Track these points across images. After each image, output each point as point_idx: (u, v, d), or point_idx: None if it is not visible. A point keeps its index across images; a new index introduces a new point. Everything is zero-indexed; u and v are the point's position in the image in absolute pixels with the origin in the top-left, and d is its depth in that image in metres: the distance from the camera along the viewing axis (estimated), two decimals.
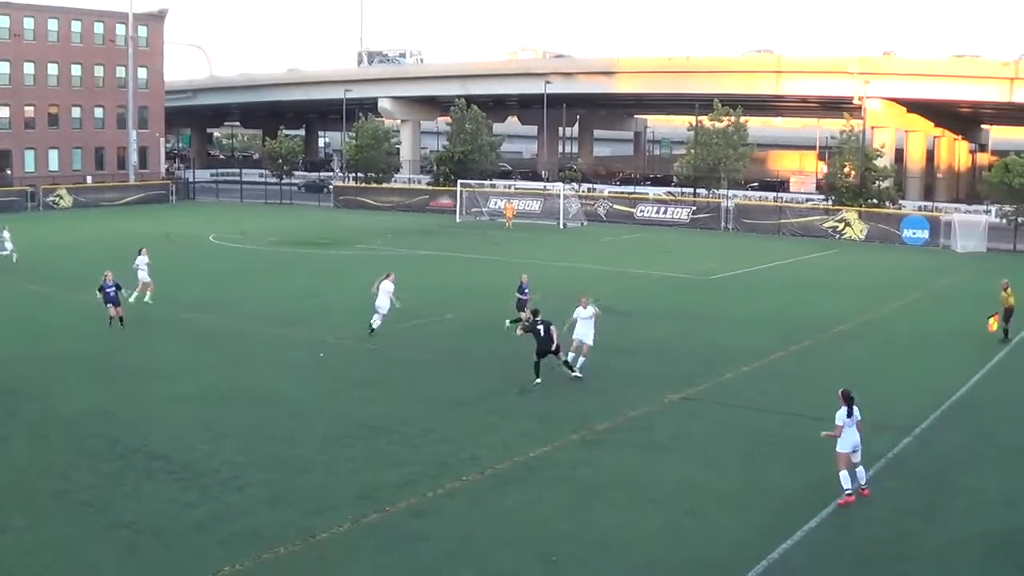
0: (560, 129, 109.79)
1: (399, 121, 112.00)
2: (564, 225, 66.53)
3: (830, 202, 66.82)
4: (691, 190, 74.10)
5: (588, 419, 19.25)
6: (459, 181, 72.87)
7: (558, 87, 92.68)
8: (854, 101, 75.81)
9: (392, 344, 25.74)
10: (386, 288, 26.54)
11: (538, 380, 21.50)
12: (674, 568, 13.10)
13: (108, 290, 27.10)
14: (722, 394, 21.45)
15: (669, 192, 79.40)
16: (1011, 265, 47.76)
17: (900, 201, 70.11)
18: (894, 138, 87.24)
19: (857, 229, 60.88)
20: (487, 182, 78.70)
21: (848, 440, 15.37)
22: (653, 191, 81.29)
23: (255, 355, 24.51)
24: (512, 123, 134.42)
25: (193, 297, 32.66)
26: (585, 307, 22.53)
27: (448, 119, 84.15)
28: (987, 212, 63.97)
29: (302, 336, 26.71)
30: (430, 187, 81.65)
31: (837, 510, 15.01)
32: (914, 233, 58.95)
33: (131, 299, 29.60)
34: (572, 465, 16.74)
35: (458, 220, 69.50)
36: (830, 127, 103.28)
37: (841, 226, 61.70)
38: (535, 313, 22.42)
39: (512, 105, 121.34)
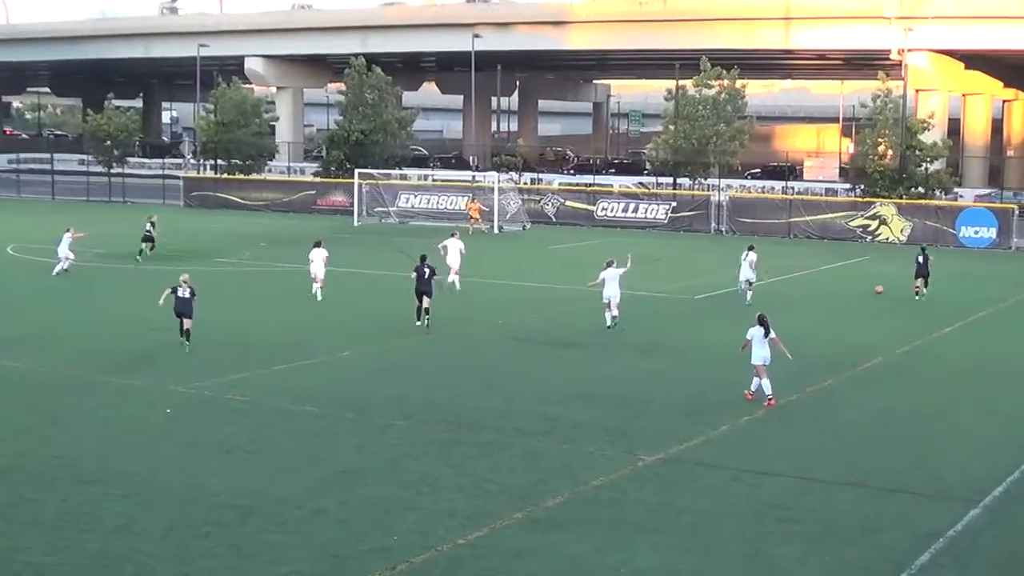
0: (494, 100, 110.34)
1: (274, 89, 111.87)
2: (500, 228, 66.79)
3: (859, 193, 67.96)
4: (670, 180, 74.95)
5: (536, 490, 19.31)
6: (357, 171, 72.88)
7: (490, 42, 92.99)
8: (891, 56, 77.19)
9: (267, 392, 25.64)
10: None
11: (418, 323, 33.31)
12: None
13: None
14: (715, 453, 21.67)
15: (641, 183, 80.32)
16: None
17: (956, 189, 71.50)
18: (947, 105, 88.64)
19: (896, 228, 62.03)
20: (395, 172, 78.74)
21: (759, 353, 24.87)
22: (619, 182, 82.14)
23: (77, 413, 24.23)
24: (429, 92, 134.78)
25: None
26: (611, 268, 33.90)
27: (342, 86, 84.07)
28: None
29: (142, 385, 26.48)
30: (318, 179, 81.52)
31: None
32: (976, 232, 60.14)
33: None
34: (516, 554, 16.76)
35: (356, 223, 69.46)
36: (858, 91, 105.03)
37: (874, 224, 62.82)
38: (423, 258, 34.03)
39: (429, 67, 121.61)
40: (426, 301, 33.77)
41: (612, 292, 34.09)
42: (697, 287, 43.12)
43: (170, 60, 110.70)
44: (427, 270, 33.93)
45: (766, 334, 24.98)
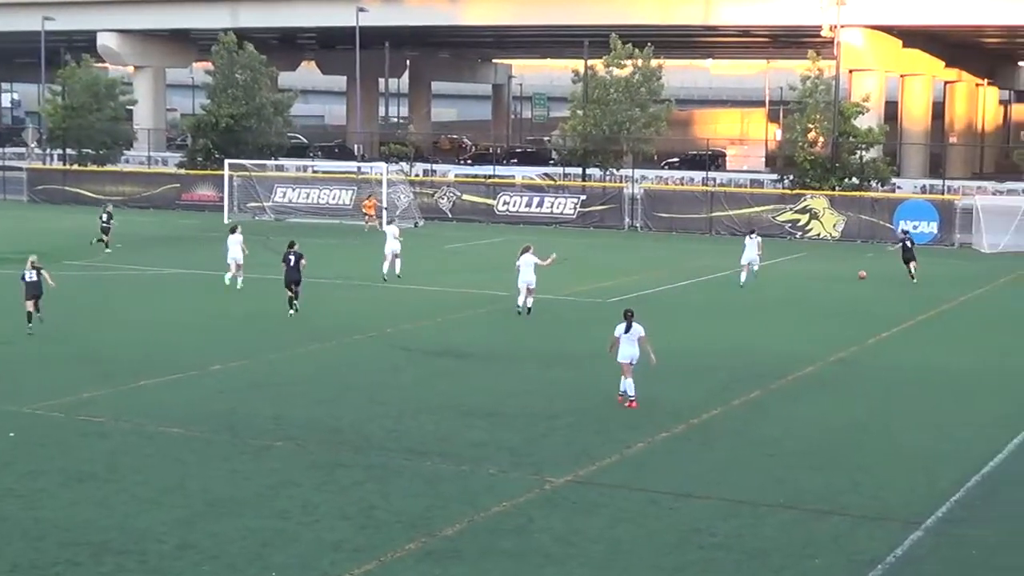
0: (381, 82, 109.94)
1: (131, 68, 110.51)
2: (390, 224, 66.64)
3: (787, 184, 68.75)
4: (579, 171, 75.29)
5: (432, 518, 19.27)
6: (227, 161, 72.30)
7: (377, 15, 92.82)
8: (822, 32, 78.03)
9: (126, 412, 25.34)
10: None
11: (291, 312, 36.57)
12: None
13: None
14: (630, 474, 21.78)
15: (546, 175, 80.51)
16: None
17: (894, 180, 72.61)
18: (883, 87, 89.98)
19: (828, 223, 62.92)
20: (270, 162, 78.27)
21: (625, 352, 26.09)
22: (522, 173, 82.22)
23: None
24: (308, 72, 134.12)
25: None
26: (528, 254, 37.22)
27: (209, 65, 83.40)
28: None
29: None
30: (183, 171, 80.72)
31: None
32: (916, 226, 60.96)
33: None
34: None
35: (227, 220, 68.73)
36: (786, 71, 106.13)
37: (804, 219, 63.66)
38: (291, 244, 37.64)
39: (308, 44, 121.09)
40: (296, 290, 37.06)
41: (528, 278, 37.33)
42: (609, 290, 43.33)
43: (10, 35, 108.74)
44: (293, 257, 37.17)
45: (627, 329, 26.25)
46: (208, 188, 75.13)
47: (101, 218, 54.64)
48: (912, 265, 46.72)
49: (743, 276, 45.53)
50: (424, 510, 19.67)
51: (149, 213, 73.11)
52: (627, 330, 26.12)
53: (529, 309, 37.86)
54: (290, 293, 37.08)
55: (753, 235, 46.77)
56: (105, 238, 53.89)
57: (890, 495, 20.77)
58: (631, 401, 26.21)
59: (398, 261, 45.22)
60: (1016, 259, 55.49)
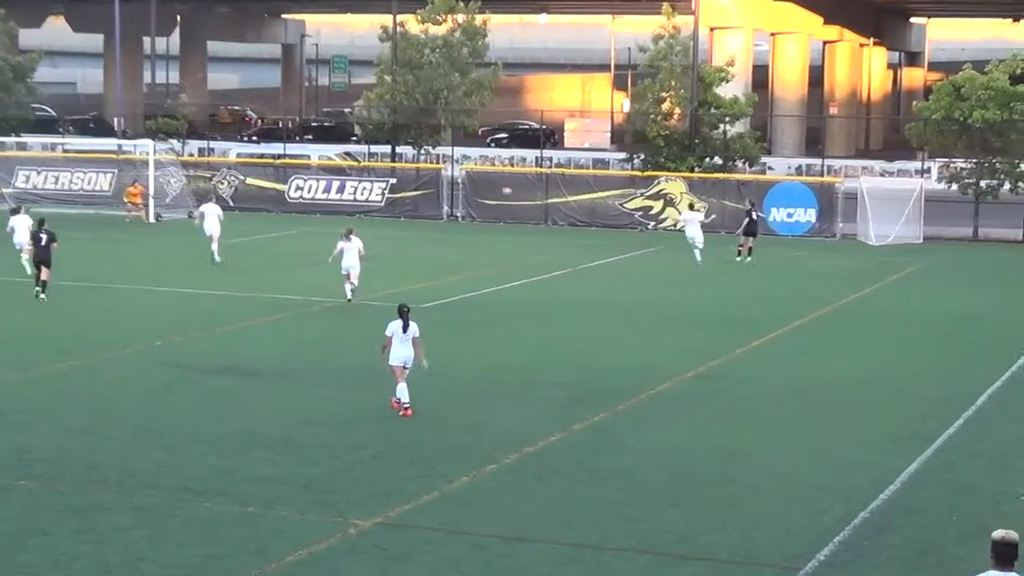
0: (147, 42, 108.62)
1: None
2: (157, 217, 65.97)
3: (637, 165, 69.27)
4: (388, 149, 75.07)
5: (212, 570, 18.96)
6: None
7: None
8: None
9: None
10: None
11: (38, 293, 40.57)
12: None
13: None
14: (451, 514, 21.70)
15: (348, 154, 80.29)
16: (970, 265, 51.00)
17: (764, 159, 73.61)
18: (750, 48, 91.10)
19: (686, 211, 63.35)
20: (10, 140, 77.03)
21: (399, 354, 27.40)
22: (319, 152, 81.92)
23: None
24: (57, 30, 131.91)
25: None
26: (349, 239, 40.93)
27: None
28: (922, 173, 67.89)
29: None
30: None
31: None
32: (790, 215, 62.04)
33: None
34: None
35: None
36: (636, 31, 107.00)
37: (658, 206, 64.30)
38: (41, 222, 41.75)
39: None
40: (45, 272, 40.53)
41: (351, 263, 41.10)
42: (424, 293, 43.14)
43: None
44: (44, 236, 40.69)
45: (405, 329, 27.53)
46: None
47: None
48: (748, 240, 51.69)
49: (698, 255, 51.44)
50: (203, 561, 19.40)
51: None
52: (404, 329, 27.49)
53: (355, 294, 41.33)
54: (40, 273, 40.70)
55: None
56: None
57: (762, 535, 20.88)
58: (406, 409, 27.42)
59: (216, 247, 49.65)
60: (907, 253, 56.62)
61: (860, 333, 38.76)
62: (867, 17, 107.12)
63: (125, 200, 66.20)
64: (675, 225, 62.36)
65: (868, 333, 38.74)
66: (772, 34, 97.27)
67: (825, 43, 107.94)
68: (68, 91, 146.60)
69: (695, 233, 51.57)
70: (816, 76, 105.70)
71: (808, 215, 61.88)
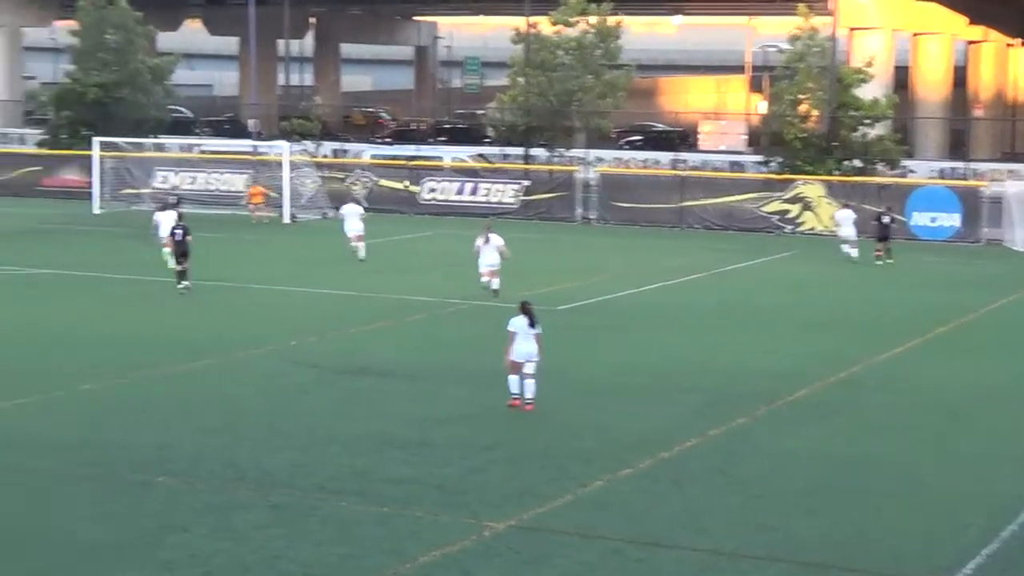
0: (281, 44, 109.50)
1: None
2: (292, 218, 66.41)
3: (774, 168, 68.75)
4: (521, 151, 75.02)
5: (348, 570, 19.01)
6: (96, 140, 71.88)
7: None
8: None
9: None
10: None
11: (182, 280, 42.59)
12: None
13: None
14: (586, 518, 21.57)
15: (481, 156, 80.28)
16: None
17: (905, 162, 72.57)
18: (891, 49, 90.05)
19: (824, 215, 62.85)
20: (149, 141, 77.83)
21: (522, 350, 27.60)
22: (452, 154, 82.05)
23: None
24: (193, 33, 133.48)
25: None
26: (487, 240, 41.98)
27: (74, 24, 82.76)
28: None
29: None
30: (44, 151, 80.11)
31: None
32: (933, 219, 61.16)
33: None
34: None
35: (97, 210, 68.49)
36: (772, 32, 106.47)
37: (795, 210, 63.69)
38: (180, 216, 44.68)
39: (192, 0, 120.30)
40: (184, 263, 42.84)
41: (492, 261, 42.04)
42: (559, 296, 43.16)
43: None
44: (180, 231, 43.12)
45: (532, 324, 27.98)
46: (74, 171, 74.53)
47: None
48: (881, 245, 52.01)
49: (854, 252, 52.97)
50: (339, 560, 19.45)
51: (5, 202, 72.22)
52: (531, 324, 27.90)
53: (496, 290, 41.97)
54: (181, 266, 42.94)
55: (846, 211, 54.85)
56: None
57: (905, 545, 20.60)
58: (529, 404, 27.91)
59: (361, 244, 51.07)
60: None
61: (1005, 341, 38.16)
62: (1013, 17, 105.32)
63: (245, 202, 66.80)
64: (831, 227, 61.80)
65: (1013, 341, 38.11)
66: (914, 34, 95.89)
67: (969, 43, 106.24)
68: (204, 93, 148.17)
69: (850, 231, 53.16)
70: (960, 77, 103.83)
71: (952, 220, 60.98)
